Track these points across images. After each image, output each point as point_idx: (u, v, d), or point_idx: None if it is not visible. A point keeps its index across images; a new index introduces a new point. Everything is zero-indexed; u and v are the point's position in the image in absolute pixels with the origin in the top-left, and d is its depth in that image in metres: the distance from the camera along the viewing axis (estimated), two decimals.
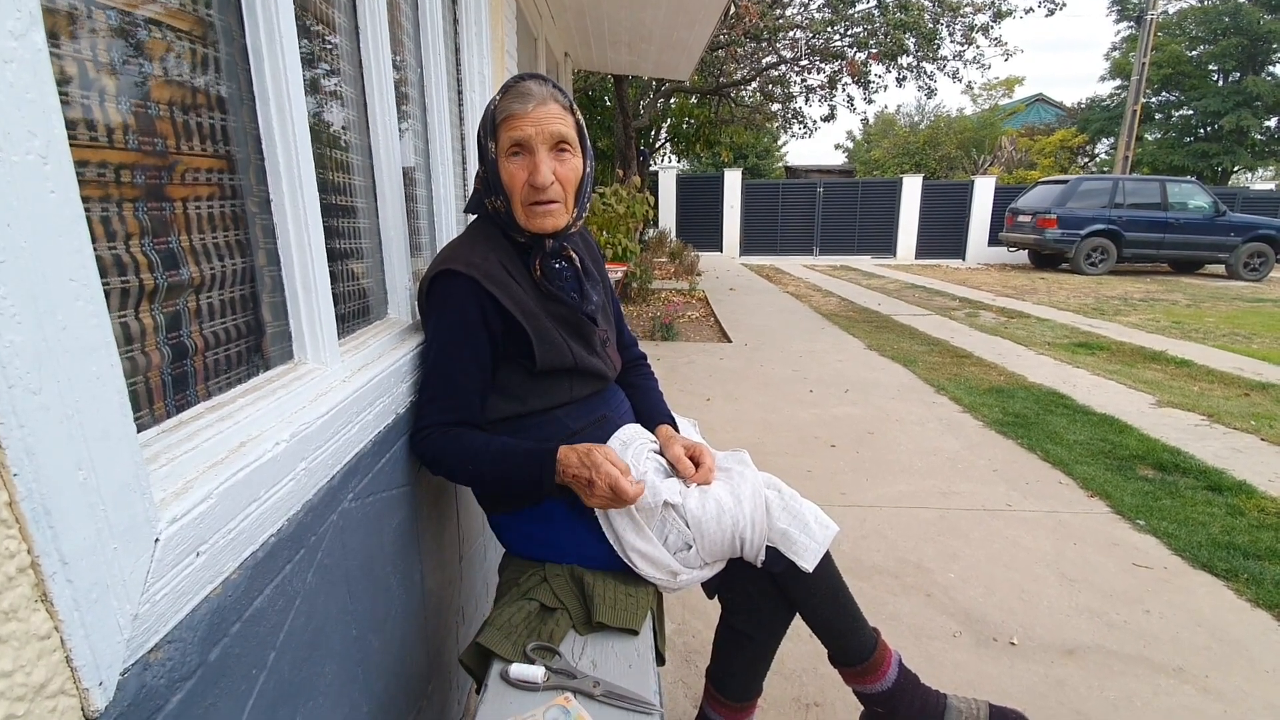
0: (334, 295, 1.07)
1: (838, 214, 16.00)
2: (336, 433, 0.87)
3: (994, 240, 15.08)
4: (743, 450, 1.31)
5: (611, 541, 1.16)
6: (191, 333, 0.76)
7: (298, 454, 0.76)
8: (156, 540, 0.56)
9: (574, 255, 1.24)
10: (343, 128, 1.15)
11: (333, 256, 1.10)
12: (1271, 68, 19.62)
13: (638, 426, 1.32)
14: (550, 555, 1.21)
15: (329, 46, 1.10)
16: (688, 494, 1.18)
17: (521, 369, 1.18)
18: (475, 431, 1.14)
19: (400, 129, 1.44)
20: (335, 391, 0.90)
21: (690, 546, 1.17)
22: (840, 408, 4.13)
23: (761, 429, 3.73)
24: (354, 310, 1.19)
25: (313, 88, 1.04)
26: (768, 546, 1.18)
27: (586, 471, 1.05)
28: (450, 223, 1.78)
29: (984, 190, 15.56)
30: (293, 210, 0.85)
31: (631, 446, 1.24)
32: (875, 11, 9.90)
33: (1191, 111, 20.68)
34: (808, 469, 3.17)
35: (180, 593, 0.59)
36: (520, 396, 1.19)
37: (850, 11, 10.02)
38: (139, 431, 0.62)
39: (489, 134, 1.14)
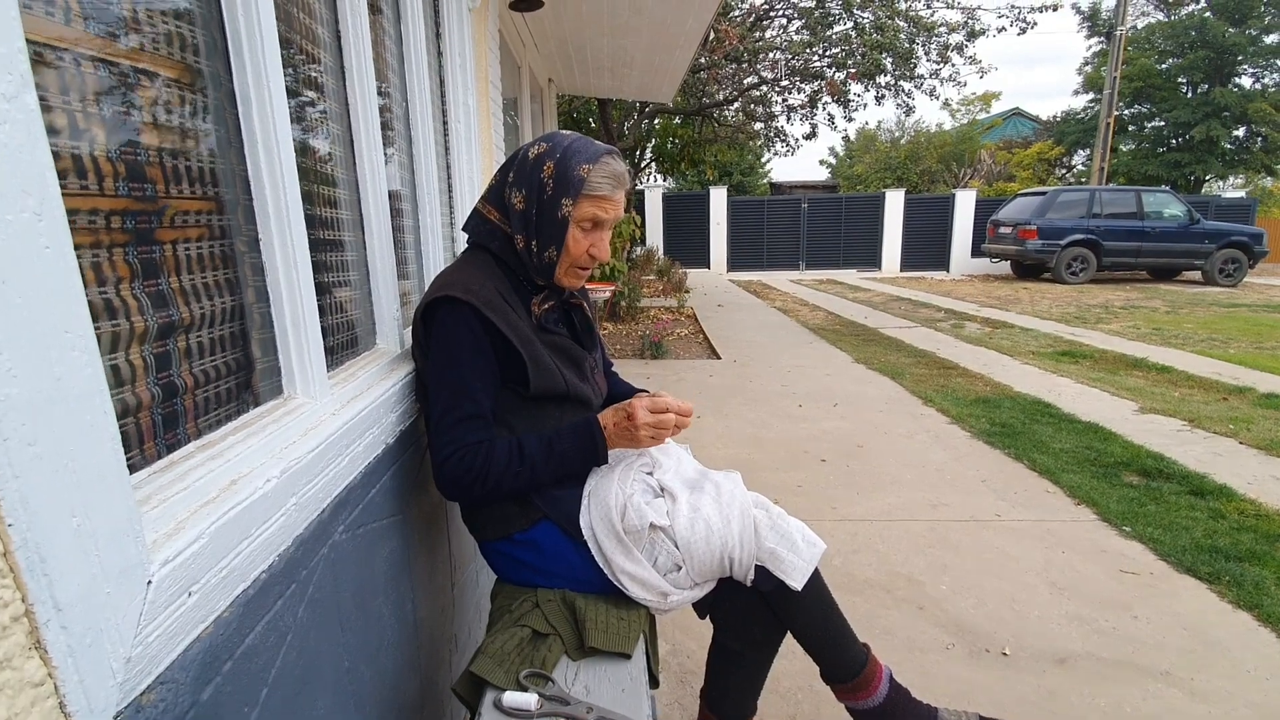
0: (322, 328, 1.09)
1: (823, 229, 16.18)
2: (327, 466, 0.88)
3: (977, 252, 15.30)
4: (735, 471, 1.33)
5: (601, 565, 1.17)
6: (182, 372, 0.77)
7: (288, 489, 0.77)
8: (149, 582, 0.57)
9: (582, 304, 1.34)
10: (329, 163, 1.17)
11: (321, 290, 1.12)
12: (1238, 79, 20.17)
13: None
14: (541, 580, 1.22)
15: (315, 84, 1.13)
16: (676, 515, 1.20)
17: (513, 394, 1.20)
18: (502, 439, 1.15)
19: (386, 160, 1.47)
20: (325, 425, 0.91)
21: (680, 567, 1.18)
22: (829, 422, 4.16)
23: (752, 445, 3.75)
24: (343, 342, 1.20)
25: (300, 126, 1.06)
26: (757, 566, 1.19)
27: (625, 422, 1.15)
28: (438, 251, 1.80)
29: (965, 203, 15.81)
30: (281, 248, 0.87)
31: (618, 468, 1.25)
32: (852, 33, 10.11)
33: (1163, 123, 21.17)
34: (798, 484, 3.19)
35: (173, 633, 0.59)
36: (509, 421, 1.20)
37: (828, 33, 10.23)
38: (131, 473, 0.63)
39: (567, 193, 1.13)
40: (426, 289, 1.21)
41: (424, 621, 1.32)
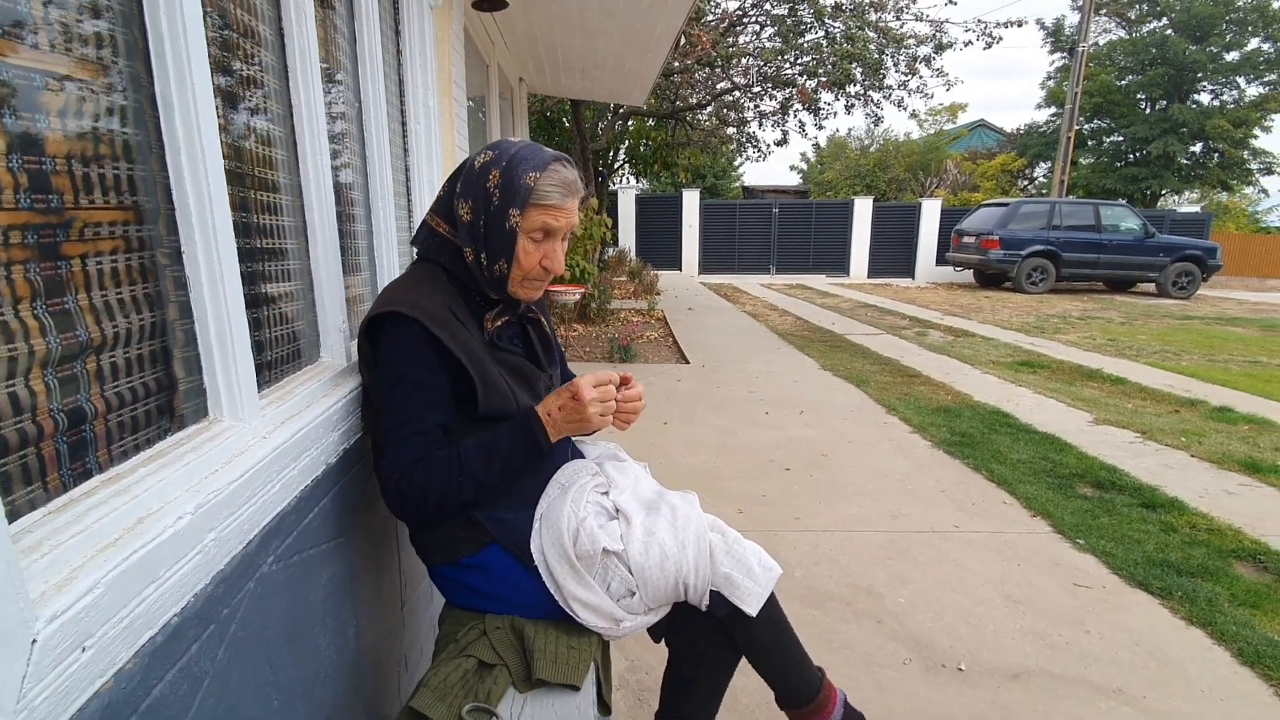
0: (259, 342, 1.03)
1: (793, 234, 16.34)
2: (254, 495, 0.83)
3: (941, 260, 15.60)
4: (692, 493, 1.30)
5: (552, 590, 1.13)
6: (91, 396, 0.71)
7: (205, 525, 0.71)
8: (34, 642, 0.52)
9: (540, 318, 1.30)
10: (270, 167, 1.11)
11: (258, 301, 1.06)
12: (1197, 96, 20.92)
13: (577, 464, 1.30)
14: (490, 606, 1.18)
15: (254, 84, 1.07)
16: (630, 539, 1.16)
17: (463, 414, 1.15)
18: (442, 451, 1.10)
19: (337, 164, 1.41)
20: (254, 450, 0.86)
21: (633, 593, 1.15)
22: (795, 429, 4.17)
23: (718, 452, 3.74)
24: (282, 356, 1.14)
25: (236, 128, 1.01)
26: (712, 591, 1.17)
27: (570, 403, 1.09)
28: (393, 256, 1.74)
29: (931, 212, 16.12)
30: (205, 260, 0.81)
31: (571, 489, 1.22)
32: (823, 42, 10.22)
33: (1122, 138, 21.88)
34: (763, 494, 3.19)
35: (63, 693, 0.54)
36: (455, 442, 1.16)
37: (799, 41, 10.33)
38: (16, 518, 0.58)
39: (514, 202, 1.09)
40: (374, 301, 1.16)
41: (369, 647, 1.26)
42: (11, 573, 0.50)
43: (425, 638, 1.73)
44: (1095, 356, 6.63)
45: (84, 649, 0.56)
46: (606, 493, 1.26)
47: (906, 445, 3.91)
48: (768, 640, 1.23)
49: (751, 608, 1.15)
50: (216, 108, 0.83)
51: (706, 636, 1.25)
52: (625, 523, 1.19)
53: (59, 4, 0.68)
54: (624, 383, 1.18)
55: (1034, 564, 2.56)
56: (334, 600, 1.10)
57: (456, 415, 1.14)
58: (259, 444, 0.87)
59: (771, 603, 1.22)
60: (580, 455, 1.36)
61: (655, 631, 1.28)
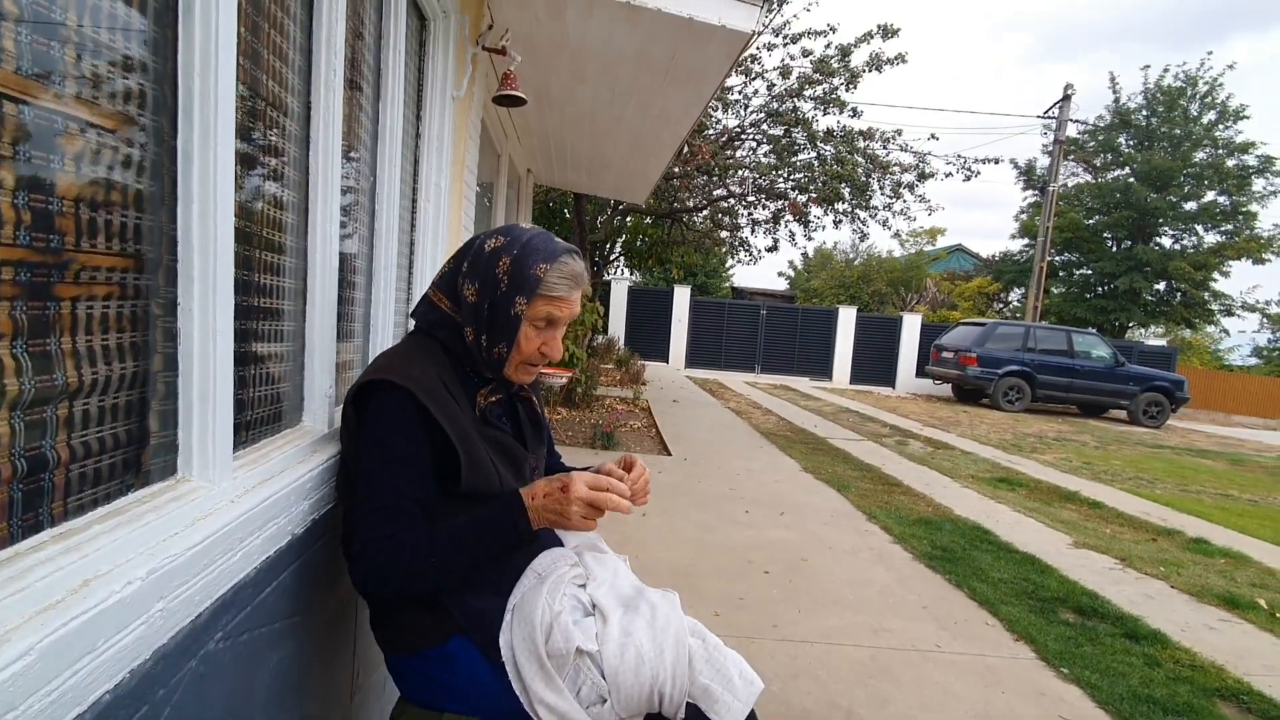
0: (241, 400, 1.00)
1: (779, 336, 16.71)
2: (211, 563, 0.77)
3: (921, 372, 15.94)
4: (673, 592, 1.24)
5: (518, 692, 1.05)
6: (56, 444, 0.67)
7: (155, 593, 0.66)
8: None
9: (531, 397, 1.29)
10: (279, 229, 1.12)
11: (246, 359, 1.04)
12: (1159, 239, 22.24)
13: (556, 552, 1.24)
14: (450, 703, 1.09)
15: (275, 150, 1.10)
16: (606, 638, 1.10)
17: (442, 489, 1.11)
18: (416, 529, 1.04)
19: (344, 233, 1.43)
20: (219, 514, 0.81)
21: (604, 700, 1.07)
22: (775, 531, 4.08)
23: (696, 549, 3.63)
24: (262, 416, 1.11)
25: (251, 189, 1.02)
26: (688, 703, 1.09)
27: (557, 493, 1.05)
28: (389, 326, 1.74)
29: (911, 325, 16.64)
30: (201, 314, 0.80)
31: (548, 580, 1.16)
32: (815, 162, 10.88)
33: (1090, 271, 23.05)
34: (741, 596, 3.06)
35: None
36: (434, 519, 1.11)
37: (793, 159, 10.99)
38: None
39: (522, 290, 1.09)
40: (366, 368, 1.14)
41: None
42: None
43: None
44: (1072, 478, 6.66)
45: None
46: (584, 585, 1.20)
47: (887, 556, 3.82)
48: None
49: None
50: (235, 168, 0.85)
51: None
52: (601, 620, 1.12)
53: (93, 54, 0.69)
54: (628, 465, 1.19)
55: (1018, 692, 2.44)
56: (280, 687, 1.01)
57: (436, 491, 1.09)
58: (226, 508, 0.82)
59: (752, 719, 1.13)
60: (559, 542, 1.30)
61: None
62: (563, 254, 1.13)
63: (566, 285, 1.12)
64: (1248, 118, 20.70)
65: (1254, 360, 30.33)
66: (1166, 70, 21.85)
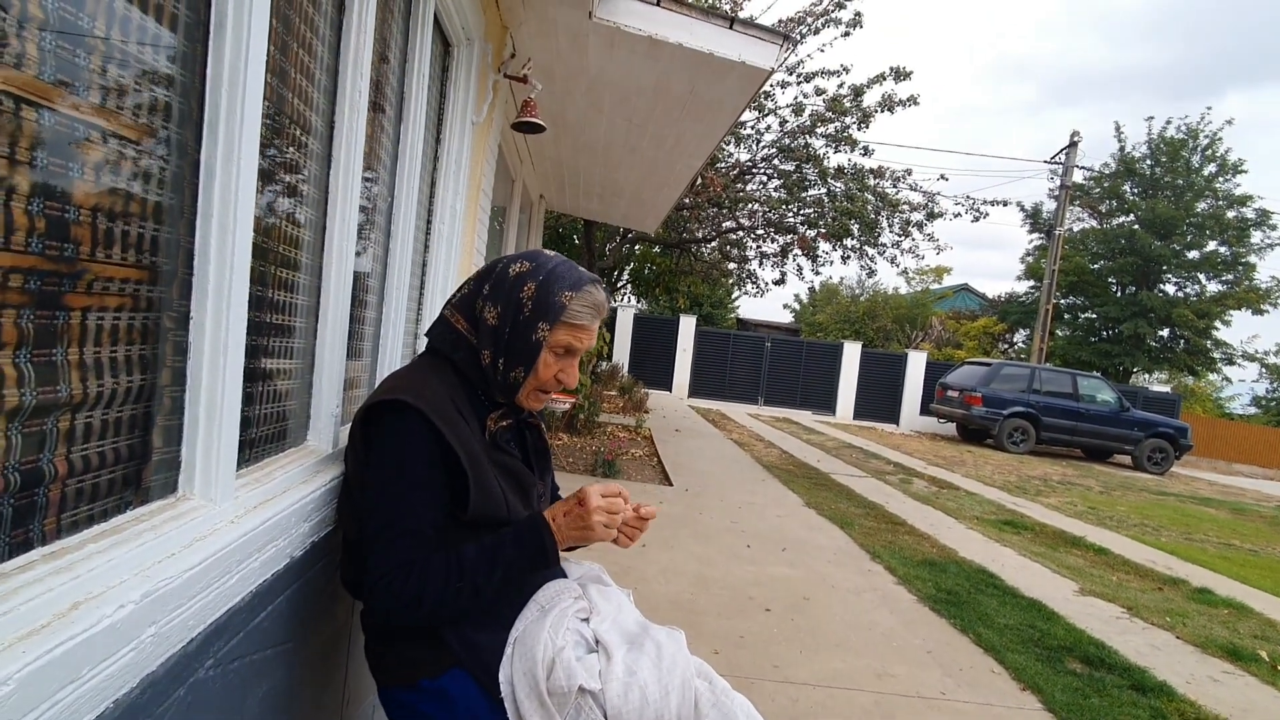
0: (246, 417, 0.98)
1: (783, 368, 16.66)
2: (208, 586, 0.74)
3: (925, 409, 15.84)
4: (679, 630, 1.20)
5: None
6: (54, 458, 0.65)
7: (147, 617, 0.63)
8: None
9: (539, 425, 1.29)
10: (295, 246, 1.11)
11: (255, 375, 1.02)
12: (1162, 285, 22.30)
13: (559, 584, 1.21)
14: None
15: (296, 168, 1.09)
16: (609, 677, 1.05)
17: (448, 515, 1.08)
18: (438, 553, 1.02)
19: (359, 252, 1.42)
20: (219, 535, 0.78)
21: None
22: (777, 567, 4.00)
23: (696, 584, 3.55)
24: (267, 434, 1.09)
25: (270, 206, 1.01)
26: None
27: (576, 509, 1.05)
28: (398, 346, 1.73)
29: (916, 363, 16.59)
30: (213, 330, 0.79)
31: (551, 613, 1.12)
32: (825, 198, 10.99)
33: (1095, 315, 23.08)
34: (741, 635, 2.99)
35: None
36: (443, 544, 1.08)
37: (803, 195, 11.10)
38: None
39: (546, 317, 1.09)
40: (375, 388, 1.12)
41: None
42: None
43: None
44: (1077, 523, 6.56)
45: None
46: (587, 619, 1.16)
47: (891, 597, 3.74)
48: None
49: None
50: (256, 183, 0.84)
51: None
52: (605, 657, 1.08)
53: (120, 64, 0.69)
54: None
55: None
56: (268, 718, 0.97)
57: (446, 516, 1.07)
58: (226, 528, 0.80)
59: None
60: (563, 574, 1.27)
61: None
62: (587, 283, 1.12)
63: (589, 314, 1.12)
64: (1245, 171, 20.98)
65: (1253, 410, 30.16)
66: (1169, 122, 22.29)
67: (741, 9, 8.73)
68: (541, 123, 2.96)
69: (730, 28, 2.51)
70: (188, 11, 0.75)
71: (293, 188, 1.08)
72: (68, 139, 0.63)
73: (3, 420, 0.59)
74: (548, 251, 1.17)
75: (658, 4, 2.42)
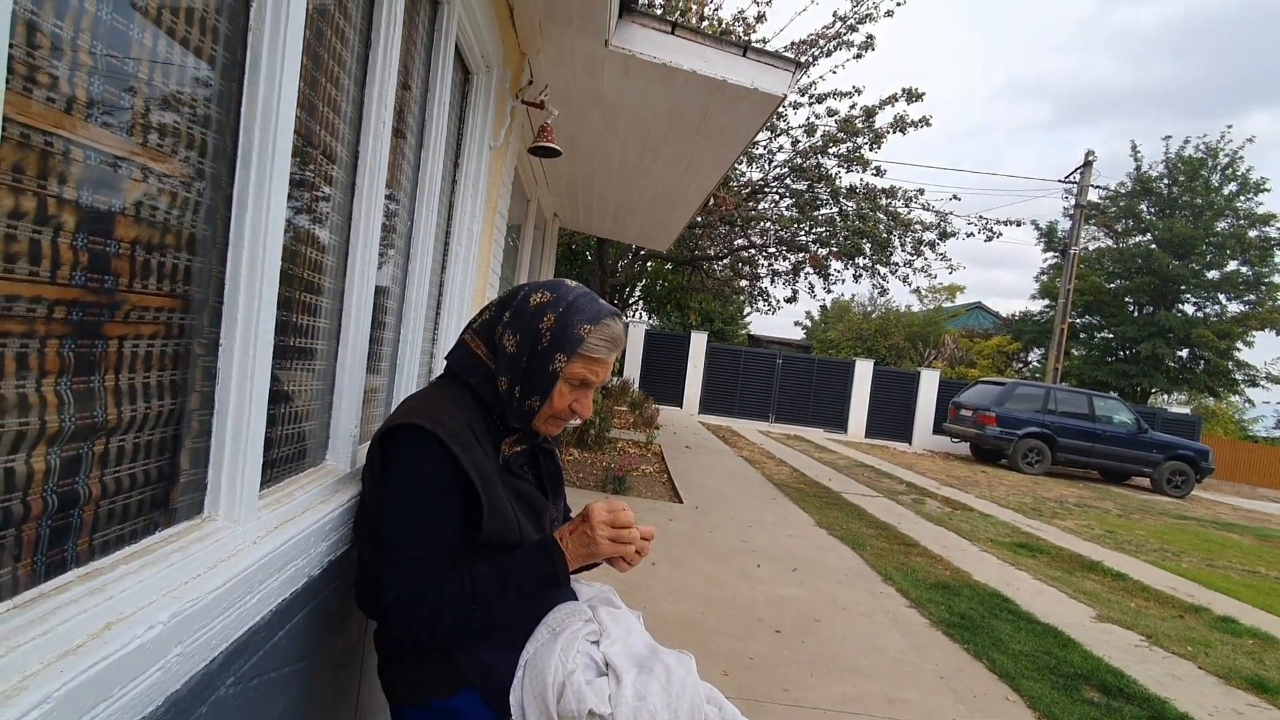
0: (269, 439, 1.01)
1: (794, 385, 16.60)
2: (231, 606, 0.76)
3: (938, 428, 15.69)
4: (689, 655, 1.20)
5: None
6: (89, 480, 0.68)
7: (174, 637, 0.65)
8: None
9: (553, 450, 1.30)
10: (318, 271, 1.15)
11: (278, 398, 1.04)
12: (1181, 305, 22.01)
13: (569, 606, 1.22)
14: None
15: (321, 196, 1.13)
16: (619, 701, 1.06)
17: (461, 537, 1.10)
18: (451, 575, 1.04)
19: (380, 275, 1.46)
20: (242, 555, 0.81)
21: None
22: (787, 588, 3.97)
23: (705, 603, 3.54)
24: (287, 455, 1.11)
25: (294, 233, 1.05)
26: None
27: (581, 526, 1.08)
28: (414, 367, 1.76)
29: (929, 381, 16.47)
30: (241, 355, 0.81)
31: (562, 635, 1.13)
32: (837, 217, 11.01)
33: (1112, 335, 22.80)
34: (750, 656, 2.97)
35: None
36: (456, 566, 1.09)
37: (815, 213, 11.13)
38: None
39: (563, 348, 1.11)
40: (392, 410, 1.14)
41: None
42: None
43: None
44: (1095, 547, 6.46)
45: None
46: (597, 642, 1.17)
47: (903, 620, 3.69)
48: None
49: None
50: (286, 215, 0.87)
51: None
52: (615, 681, 1.09)
53: (162, 105, 0.73)
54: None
55: None
56: None
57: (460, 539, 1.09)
58: (249, 549, 0.82)
59: None
60: (573, 595, 1.28)
61: None
62: (606, 316, 1.15)
63: (606, 348, 1.14)
64: (1268, 190, 20.69)
65: (1278, 433, 29.54)
66: (1188, 141, 22.08)
67: (755, 31, 8.83)
68: (558, 148, 3.01)
69: (743, 55, 2.55)
70: (224, 53, 0.79)
71: (318, 215, 1.12)
72: (111, 176, 0.66)
73: (44, 445, 0.61)
74: (569, 282, 1.19)
75: (671, 32, 2.47)
